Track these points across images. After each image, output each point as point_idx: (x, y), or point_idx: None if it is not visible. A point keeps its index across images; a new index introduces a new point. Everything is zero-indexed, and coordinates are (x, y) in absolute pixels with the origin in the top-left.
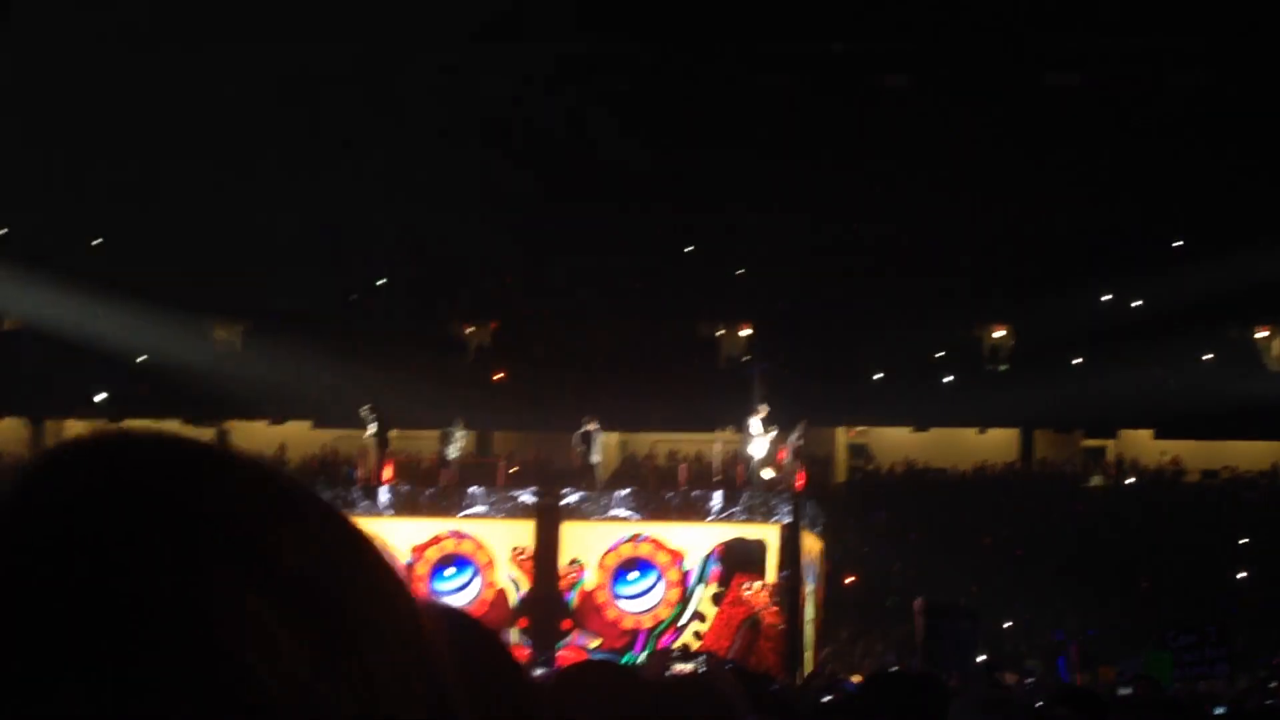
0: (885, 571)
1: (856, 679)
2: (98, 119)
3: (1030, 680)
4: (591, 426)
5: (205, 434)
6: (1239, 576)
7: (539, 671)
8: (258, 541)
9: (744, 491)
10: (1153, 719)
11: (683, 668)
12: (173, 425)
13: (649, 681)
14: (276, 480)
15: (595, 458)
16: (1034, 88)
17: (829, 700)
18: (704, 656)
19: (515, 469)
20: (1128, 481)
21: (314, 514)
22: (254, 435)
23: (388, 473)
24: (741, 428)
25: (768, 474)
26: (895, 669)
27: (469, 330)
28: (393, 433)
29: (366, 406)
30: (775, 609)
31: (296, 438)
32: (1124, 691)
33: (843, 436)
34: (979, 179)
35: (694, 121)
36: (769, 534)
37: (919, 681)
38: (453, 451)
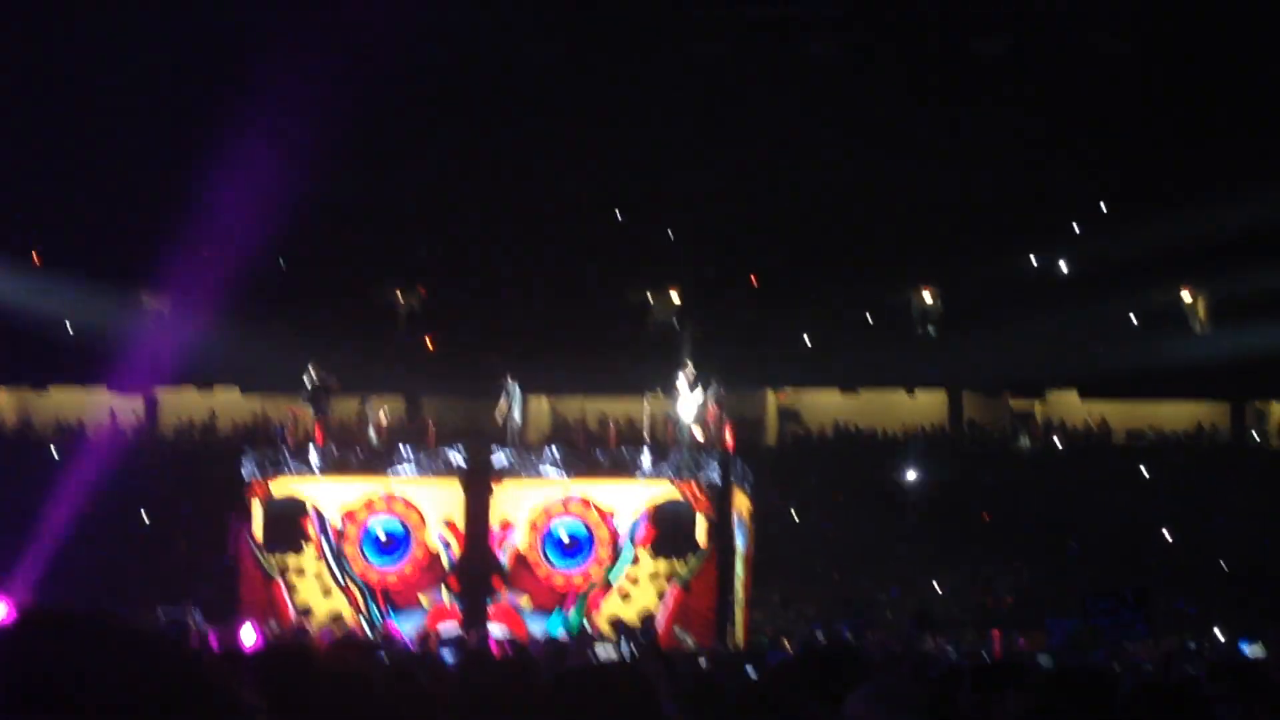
0: (815, 534)
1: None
2: (19, 82)
3: (949, 647)
4: (509, 385)
5: (134, 402)
6: (1165, 537)
7: (465, 638)
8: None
9: (673, 451)
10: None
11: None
12: (100, 393)
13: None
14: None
15: (515, 416)
16: (959, 51)
17: (753, 678)
18: (639, 628)
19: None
20: (1055, 442)
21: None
22: (182, 403)
23: (317, 435)
24: (669, 389)
25: (696, 432)
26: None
27: (399, 296)
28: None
29: (312, 369)
30: (705, 570)
31: (228, 405)
32: (1043, 660)
33: (772, 399)
34: (906, 142)
35: (620, 87)
36: (699, 492)
37: (838, 658)
38: (371, 432)
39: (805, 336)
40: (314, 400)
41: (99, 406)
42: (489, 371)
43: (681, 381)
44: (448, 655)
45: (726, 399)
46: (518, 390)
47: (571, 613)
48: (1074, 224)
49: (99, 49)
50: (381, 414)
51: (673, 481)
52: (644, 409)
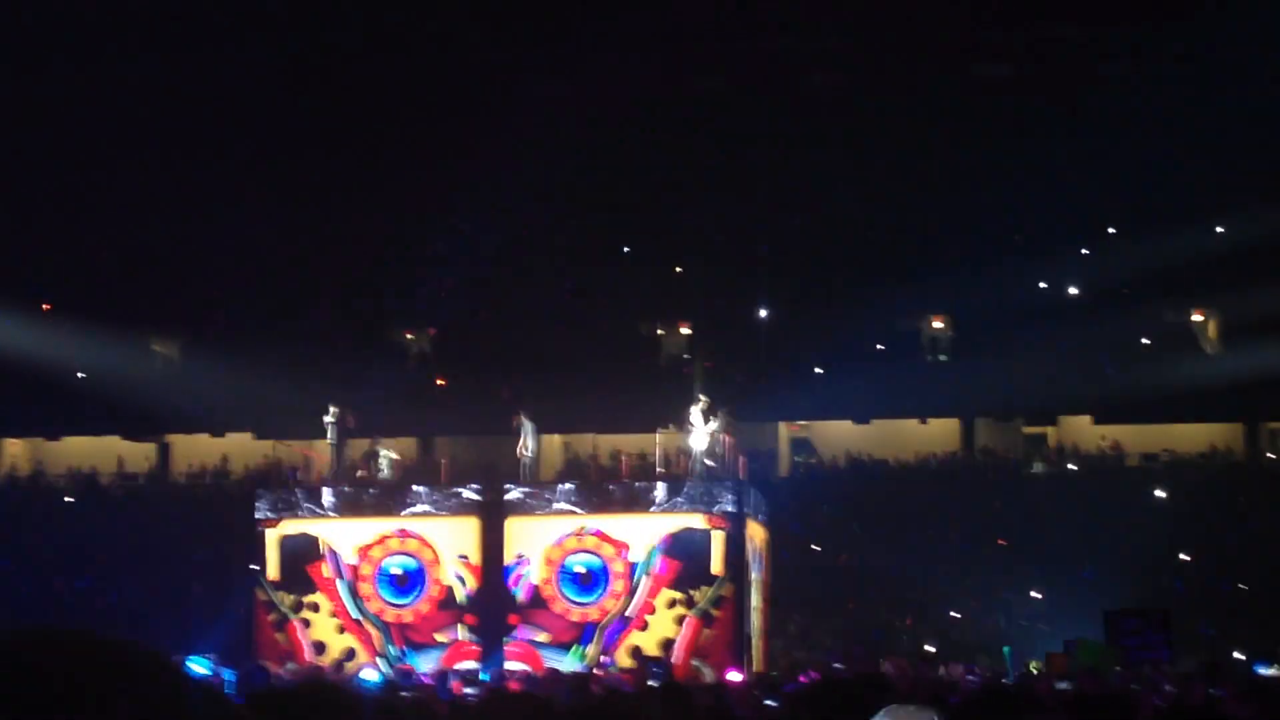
0: (830, 564)
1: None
2: (28, 131)
3: (972, 677)
4: (523, 422)
5: (146, 449)
6: (1181, 559)
7: (488, 671)
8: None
9: (687, 482)
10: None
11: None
12: (113, 441)
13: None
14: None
15: (528, 452)
16: (965, 78)
17: (771, 707)
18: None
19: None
20: (1070, 467)
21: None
22: (196, 448)
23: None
24: (682, 422)
25: (710, 464)
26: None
27: (408, 337)
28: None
29: (332, 412)
30: (721, 600)
31: (238, 449)
32: (1062, 686)
33: (785, 431)
34: (913, 172)
35: (631, 122)
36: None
37: (855, 688)
38: (385, 469)
39: (817, 367)
40: (334, 438)
41: (111, 454)
42: (502, 410)
43: (694, 412)
44: (470, 692)
45: (739, 430)
46: (531, 427)
47: (590, 647)
48: (1084, 248)
49: (109, 95)
50: (391, 453)
51: (687, 513)
52: (657, 443)
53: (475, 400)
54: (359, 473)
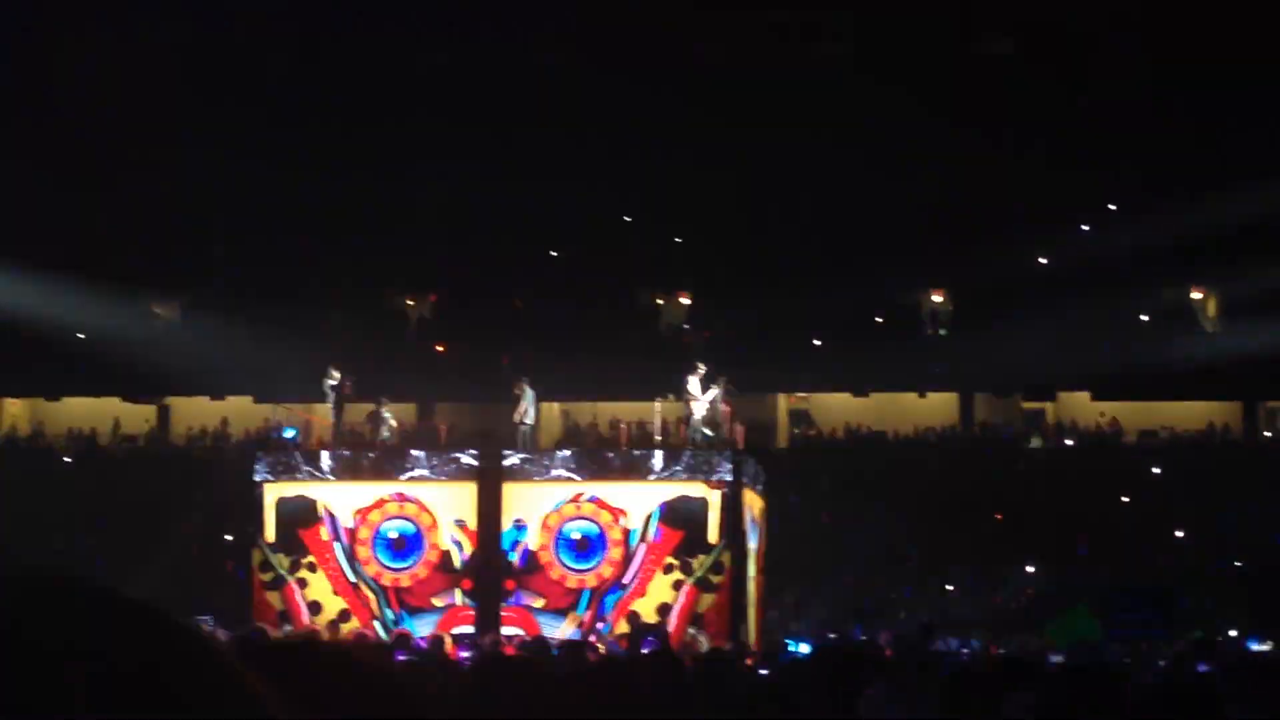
0: (827, 536)
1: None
2: (24, 88)
3: (966, 650)
4: (523, 389)
5: (145, 410)
6: (1177, 536)
7: (480, 640)
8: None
9: (685, 451)
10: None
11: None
12: (111, 403)
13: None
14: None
15: (528, 420)
16: (966, 50)
17: (765, 676)
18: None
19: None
20: (1067, 443)
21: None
22: (195, 410)
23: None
24: (680, 391)
25: (708, 432)
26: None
27: (409, 302)
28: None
29: (333, 374)
30: (717, 569)
31: (238, 412)
32: (1056, 659)
33: (784, 402)
34: (914, 143)
35: (631, 89)
36: (711, 492)
37: (852, 659)
38: (385, 432)
39: (816, 339)
40: (334, 402)
41: (111, 415)
42: (503, 376)
43: (692, 381)
44: (465, 656)
45: (738, 400)
46: (531, 394)
47: (586, 613)
48: (1084, 223)
49: (103, 52)
50: (391, 417)
51: (685, 481)
52: (655, 411)
53: (475, 367)
54: (366, 428)
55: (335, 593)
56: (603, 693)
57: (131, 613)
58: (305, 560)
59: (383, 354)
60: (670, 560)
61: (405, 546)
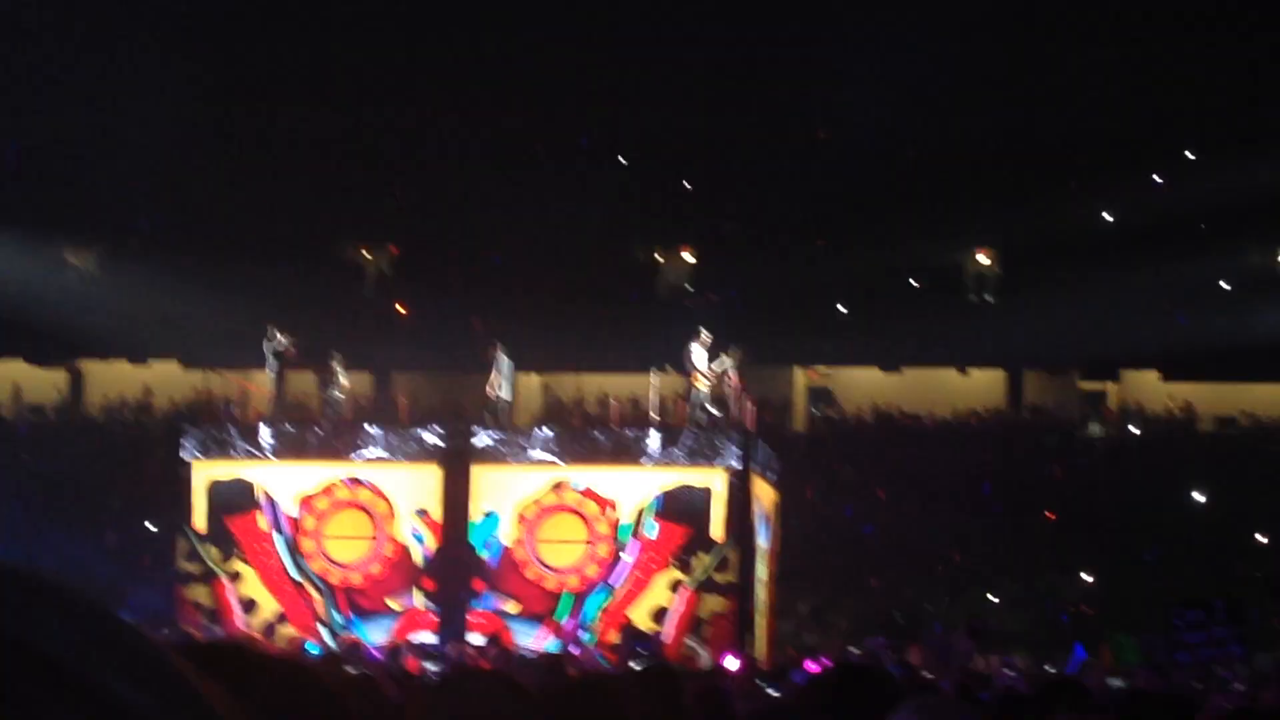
0: (850, 534)
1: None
2: None
3: (1012, 671)
4: (497, 357)
5: (56, 376)
6: (1257, 540)
7: (444, 650)
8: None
9: (685, 432)
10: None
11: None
12: (16, 366)
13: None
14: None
15: (503, 394)
16: None
17: (773, 700)
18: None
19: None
20: (1132, 430)
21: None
22: (113, 377)
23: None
24: (681, 362)
25: (713, 411)
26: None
27: (365, 254)
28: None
29: (275, 335)
30: (722, 570)
31: (163, 379)
32: (1116, 684)
33: (801, 378)
34: (959, 78)
35: (630, 12)
36: (715, 480)
37: (870, 678)
38: (336, 392)
39: (840, 305)
40: (275, 368)
41: (14, 381)
42: (474, 343)
43: (696, 350)
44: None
45: (749, 375)
46: (507, 363)
47: (566, 619)
48: (1156, 173)
49: None
50: (340, 383)
51: (685, 467)
52: (651, 386)
53: (441, 331)
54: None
55: (272, 591)
56: (581, 714)
57: (71, 602)
58: (239, 553)
59: (333, 314)
60: (666, 560)
61: (357, 539)
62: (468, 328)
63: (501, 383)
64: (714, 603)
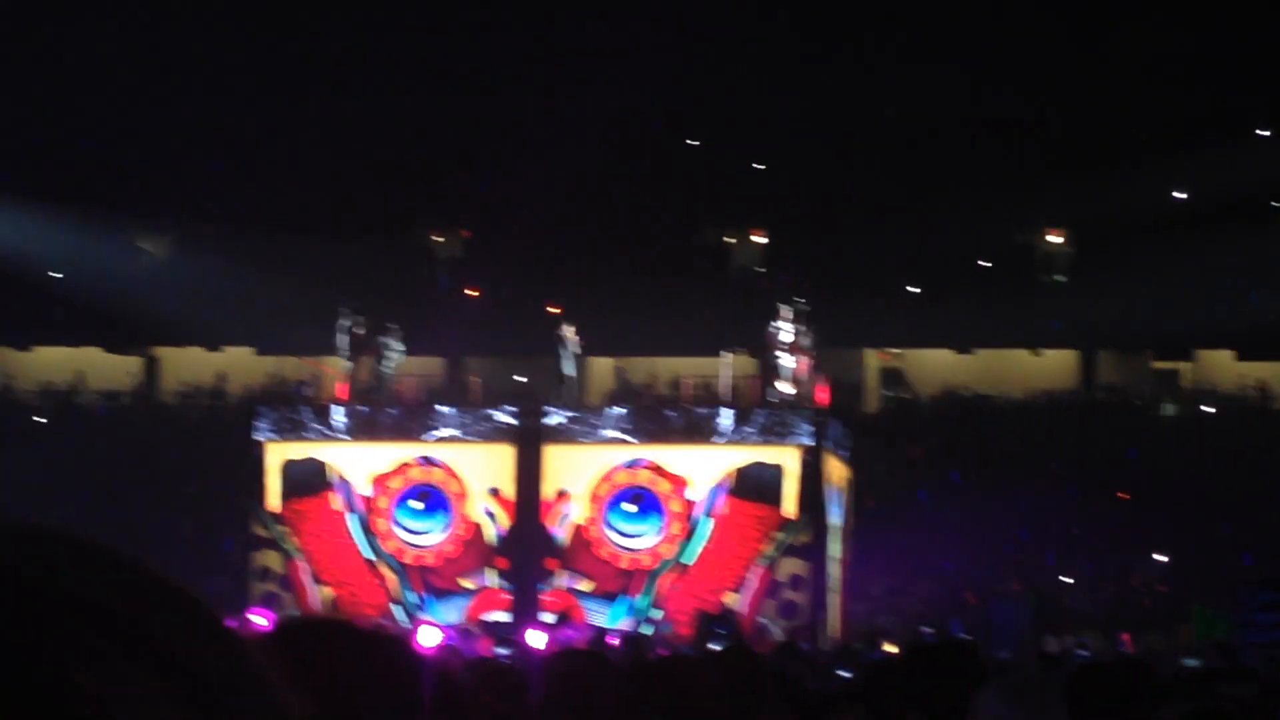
0: (922, 517)
1: (889, 648)
2: None
3: (1084, 651)
4: (567, 335)
5: (131, 362)
6: None
7: (517, 632)
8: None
9: (758, 409)
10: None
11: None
12: (93, 353)
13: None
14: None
15: (569, 370)
16: None
17: (848, 679)
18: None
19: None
20: (1206, 409)
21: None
22: (188, 363)
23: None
24: (753, 343)
25: (785, 389)
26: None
27: (436, 239)
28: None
29: (349, 318)
30: (795, 548)
31: (237, 365)
32: (1190, 663)
33: (873, 360)
34: (1032, 56)
35: None
36: (787, 458)
37: (950, 658)
38: (389, 368)
39: (912, 286)
40: (349, 350)
41: (91, 368)
42: (543, 326)
43: (770, 329)
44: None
45: (821, 356)
46: (570, 342)
47: (641, 598)
48: (1230, 149)
49: None
50: (394, 359)
51: (757, 445)
52: (722, 367)
53: (513, 315)
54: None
55: (346, 571)
56: (662, 692)
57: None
58: (313, 533)
59: (406, 299)
60: (740, 538)
61: (431, 518)
62: (539, 311)
63: (564, 362)
64: (787, 581)
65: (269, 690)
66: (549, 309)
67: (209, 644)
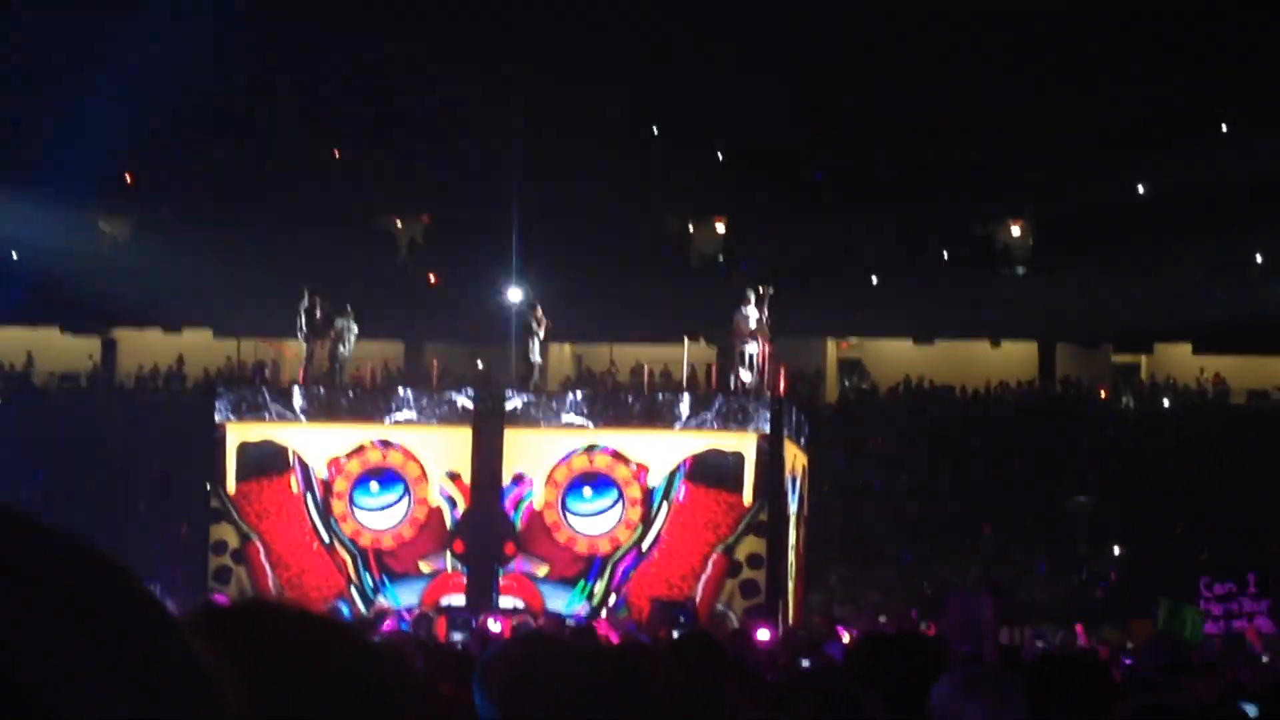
0: (881, 507)
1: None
2: None
3: (1041, 643)
4: (536, 319)
5: (88, 344)
6: None
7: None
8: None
9: (717, 395)
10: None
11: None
12: (50, 334)
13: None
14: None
15: (535, 356)
16: None
17: (806, 668)
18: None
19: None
20: (1164, 403)
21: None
22: (146, 345)
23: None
24: (713, 331)
25: (745, 376)
26: (884, 628)
27: (397, 224)
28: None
29: (308, 297)
30: (754, 536)
31: (196, 348)
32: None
33: (833, 349)
34: (993, 47)
35: None
36: (746, 444)
37: (909, 648)
38: (346, 351)
39: (873, 277)
40: (306, 330)
41: (49, 349)
42: (503, 313)
43: (749, 308)
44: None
45: (781, 347)
46: (541, 326)
47: (598, 583)
48: (1191, 146)
49: None
50: (352, 337)
51: (716, 431)
52: (684, 354)
53: (473, 301)
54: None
55: (303, 554)
56: (622, 681)
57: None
58: (270, 515)
59: (366, 283)
60: (697, 524)
61: (388, 501)
62: (498, 297)
63: (532, 347)
64: (744, 567)
65: (189, 648)
66: (511, 294)
67: (127, 598)
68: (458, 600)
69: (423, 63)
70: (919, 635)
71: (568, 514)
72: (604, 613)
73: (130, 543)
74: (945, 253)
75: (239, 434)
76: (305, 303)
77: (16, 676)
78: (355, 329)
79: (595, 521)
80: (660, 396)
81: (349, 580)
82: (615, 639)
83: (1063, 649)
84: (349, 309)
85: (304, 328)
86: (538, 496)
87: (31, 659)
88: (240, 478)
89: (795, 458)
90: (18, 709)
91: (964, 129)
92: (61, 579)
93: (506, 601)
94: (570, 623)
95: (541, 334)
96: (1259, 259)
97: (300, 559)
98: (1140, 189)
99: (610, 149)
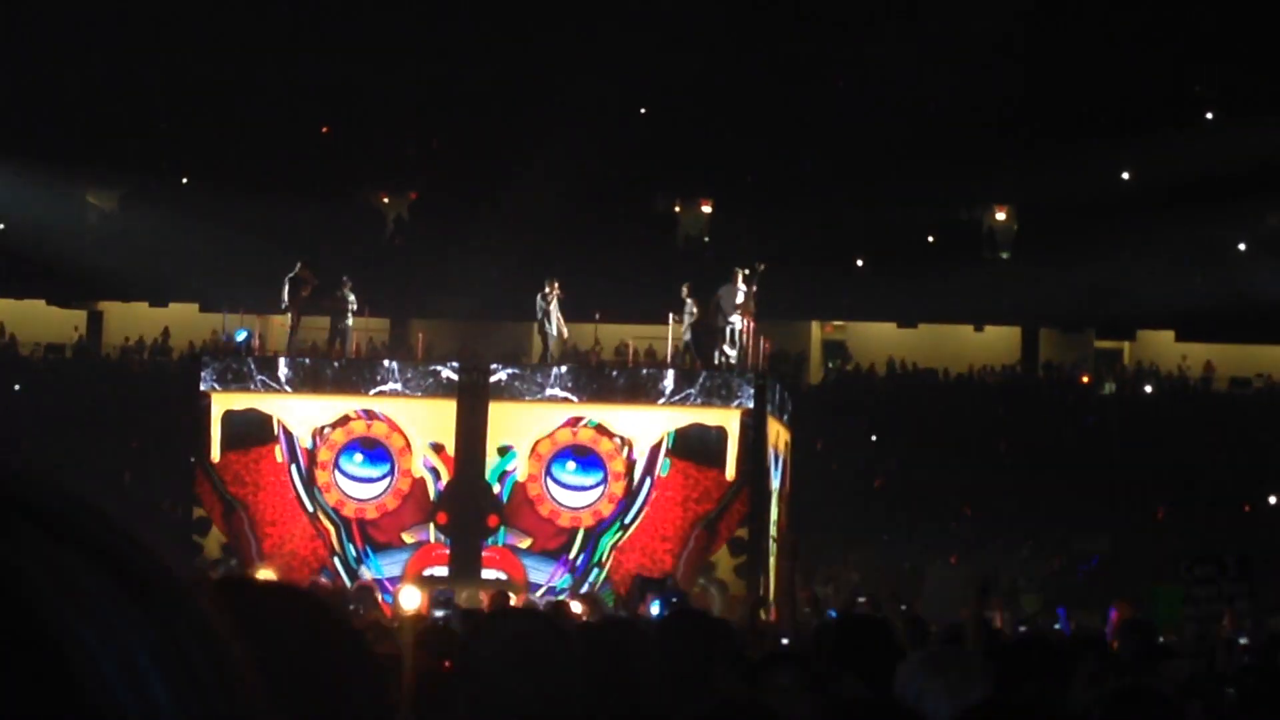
0: (862, 488)
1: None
2: None
3: (1023, 627)
4: (552, 292)
5: (76, 316)
6: (1271, 501)
7: (452, 592)
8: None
9: (701, 372)
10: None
11: None
12: (37, 306)
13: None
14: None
15: (553, 330)
16: None
17: (783, 646)
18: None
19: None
20: (1146, 389)
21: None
22: (132, 318)
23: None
24: (721, 298)
25: (729, 352)
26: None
27: (384, 200)
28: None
29: (296, 267)
30: (736, 510)
31: (181, 322)
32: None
33: (817, 332)
34: (980, 35)
35: None
36: (729, 420)
37: (876, 629)
38: (346, 322)
39: (858, 260)
40: (291, 299)
41: (35, 320)
42: (491, 289)
43: (739, 286)
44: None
45: (766, 329)
46: (557, 299)
47: (579, 556)
48: (1175, 133)
49: None
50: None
51: (700, 407)
52: (669, 332)
53: (460, 278)
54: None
55: (287, 524)
56: (607, 657)
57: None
58: (255, 485)
59: (353, 260)
60: (681, 499)
61: (373, 474)
62: (486, 274)
63: (550, 321)
64: (726, 542)
65: (200, 602)
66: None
67: (143, 552)
68: (440, 571)
69: (410, 41)
70: (885, 620)
71: (551, 487)
72: (585, 587)
73: (114, 513)
74: (930, 237)
75: (224, 403)
76: (293, 272)
77: (50, 630)
78: (354, 300)
79: (578, 495)
80: (644, 371)
81: (332, 551)
82: (585, 613)
83: (1041, 631)
84: (345, 280)
85: (287, 298)
86: (521, 469)
87: (61, 607)
88: (225, 447)
89: (779, 434)
90: (52, 659)
91: (951, 116)
92: (85, 530)
93: (489, 574)
94: (543, 597)
95: (556, 308)
96: (1241, 246)
97: (284, 528)
98: (1124, 175)
99: (598, 128)
